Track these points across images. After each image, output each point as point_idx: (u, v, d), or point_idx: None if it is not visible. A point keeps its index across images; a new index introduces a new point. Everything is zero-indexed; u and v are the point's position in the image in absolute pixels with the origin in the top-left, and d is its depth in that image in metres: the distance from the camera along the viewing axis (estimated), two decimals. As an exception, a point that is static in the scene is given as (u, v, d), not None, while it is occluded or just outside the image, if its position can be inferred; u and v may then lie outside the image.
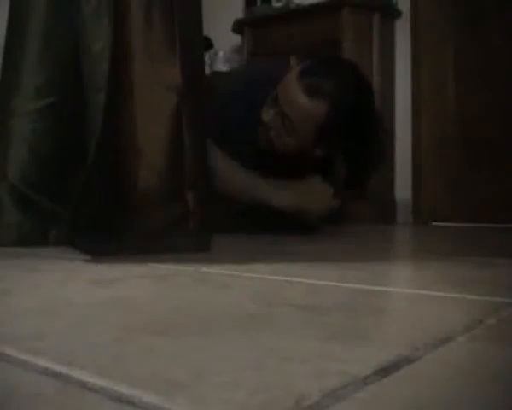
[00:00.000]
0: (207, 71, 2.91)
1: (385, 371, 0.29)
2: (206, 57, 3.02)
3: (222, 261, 0.84)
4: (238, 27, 3.05)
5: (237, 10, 3.20)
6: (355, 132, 1.33)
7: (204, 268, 0.74)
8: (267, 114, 1.37)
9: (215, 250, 0.96)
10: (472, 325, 0.41)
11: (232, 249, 1.07)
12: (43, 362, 0.31)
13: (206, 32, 1.14)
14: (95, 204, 0.90)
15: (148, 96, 0.91)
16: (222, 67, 3.07)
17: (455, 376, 0.30)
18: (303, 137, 1.34)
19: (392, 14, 2.77)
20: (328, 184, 1.39)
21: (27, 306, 0.48)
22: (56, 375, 0.29)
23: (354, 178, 1.42)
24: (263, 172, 1.38)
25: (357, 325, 0.41)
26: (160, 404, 0.25)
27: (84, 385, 0.27)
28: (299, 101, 1.30)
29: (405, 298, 0.57)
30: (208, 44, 3.06)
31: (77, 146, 0.99)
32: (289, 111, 1.32)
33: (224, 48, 3.19)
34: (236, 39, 3.16)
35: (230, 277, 0.67)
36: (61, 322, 0.42)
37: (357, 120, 1.31)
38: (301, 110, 1.31)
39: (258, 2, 3.11)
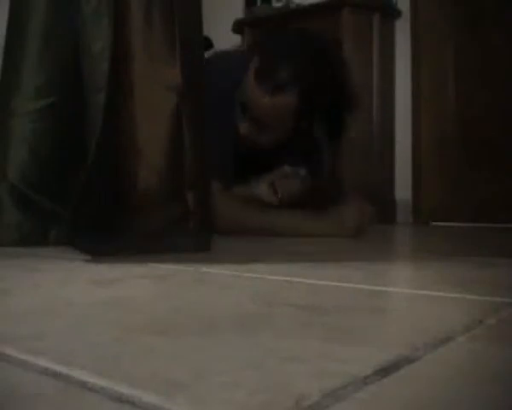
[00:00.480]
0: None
1: (385, 371, 0.29)
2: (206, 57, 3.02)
3: (222, 261, 0.84)
4: (238, 27, 3.05)
5: (237, 10, 3.21)
6: (329, 97, 1.31)
7: (204, 268, 0.74)
8: (243, 128, 1.34)
9: (215, 250, 0.96)
10: (472, 325, 0.41)
11: (232, 249, 1.07)
12: (43, 362, 0.31)
13: (206, 32, 1.14)
14: (95, 204, 0.90)
15: (148, 96, 0.91)
16: (222, 66, 3.07)
17: (455, 376, 0.30)
18: (284, 128, 1.33)
19: (392, 14, 2.77)
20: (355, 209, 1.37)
21: (27, 306, 0.48)
22: (56, 375, 0.29)
23: (334, 131, 1.39)
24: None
25: (357, 325, 0.41)
26: (160, 404, 0.25)
27: (84, 385, 0.27)
28: (265, 103, 1.28)
29: (405, 298, 0.57)
30: (208, 44, 3.06)
31: (77, 146, 0.99)
32: (260, 116, 1.31)
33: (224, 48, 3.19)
34: (236, 39, 3.16)
35: (230, 277, 0.67)
36: (61, 322, 0.42)
37: (327, 88, 1.30)
38: (270, 111, 1.29)
39: (258, 2, 3.11)
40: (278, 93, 1.26)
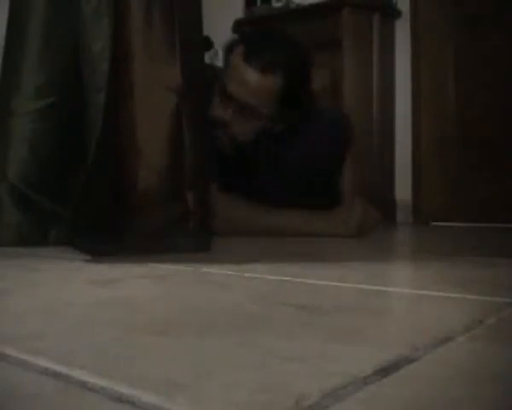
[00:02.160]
0: (207, 71, 2.90)
1: (385, 371, 0.29)
2: (206, 57, 3.02)
3: (222, 261, 0.84)
4: (238, 27, 3.05)
5: (237, 10, 3.20)
6: (302, 86, 1.37)
7: (204, 268, 0.74)
8: (220, 109, 1.32)
9: (215, 250, 0.96)
10: (472, 325, 0.41)
11: (232, 249, 1.07)
12: (43, 362, 0.31)
13: (206, 32, 1.14)
14: (95, 204, 0.90)
15: (148, 96, 0.91)
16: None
17: (455, 376, 0.30)
18: (267, 114, 1.33)
19: (392, 14, 2.77)
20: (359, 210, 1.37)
21: (27, 306, 0.48)
22: (56, 375, 0.29)
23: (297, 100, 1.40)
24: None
25: (357, 325, 0.41)
26: (160, 404, 0.25)
27: (84, 385, 0.27)
28: (254, 81, 1.29)
29: (405, 298, 0.57)
30: (208, 44, 3.06)
31: (77, 146, 0.99)
32: (247, 97, 1.29)
33: (224, 48, 3.18)
34: (236, 39, 3.16)
35: (230, 277, 0.67)
36: (61, 322, 0.42)
37: (304, 78, 1.37)
38: (259, 90, 1.29)
39: (258, 3, 3.11)
40: (268, 71, 1.29)
